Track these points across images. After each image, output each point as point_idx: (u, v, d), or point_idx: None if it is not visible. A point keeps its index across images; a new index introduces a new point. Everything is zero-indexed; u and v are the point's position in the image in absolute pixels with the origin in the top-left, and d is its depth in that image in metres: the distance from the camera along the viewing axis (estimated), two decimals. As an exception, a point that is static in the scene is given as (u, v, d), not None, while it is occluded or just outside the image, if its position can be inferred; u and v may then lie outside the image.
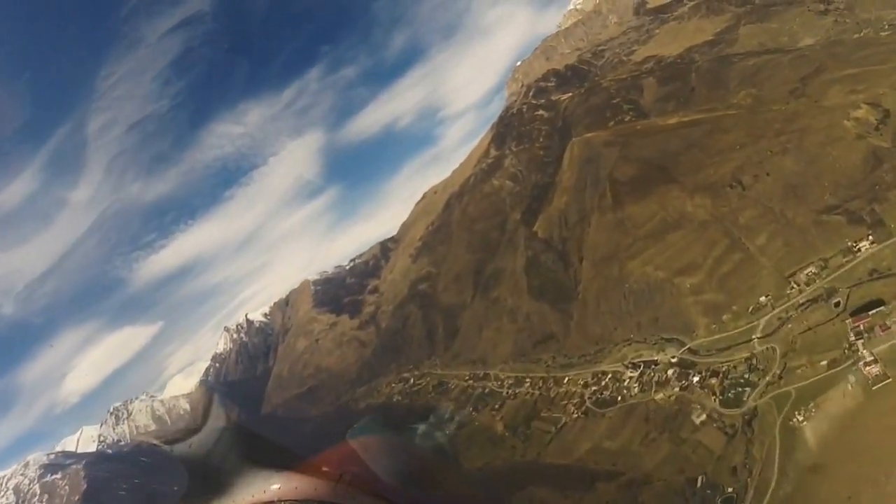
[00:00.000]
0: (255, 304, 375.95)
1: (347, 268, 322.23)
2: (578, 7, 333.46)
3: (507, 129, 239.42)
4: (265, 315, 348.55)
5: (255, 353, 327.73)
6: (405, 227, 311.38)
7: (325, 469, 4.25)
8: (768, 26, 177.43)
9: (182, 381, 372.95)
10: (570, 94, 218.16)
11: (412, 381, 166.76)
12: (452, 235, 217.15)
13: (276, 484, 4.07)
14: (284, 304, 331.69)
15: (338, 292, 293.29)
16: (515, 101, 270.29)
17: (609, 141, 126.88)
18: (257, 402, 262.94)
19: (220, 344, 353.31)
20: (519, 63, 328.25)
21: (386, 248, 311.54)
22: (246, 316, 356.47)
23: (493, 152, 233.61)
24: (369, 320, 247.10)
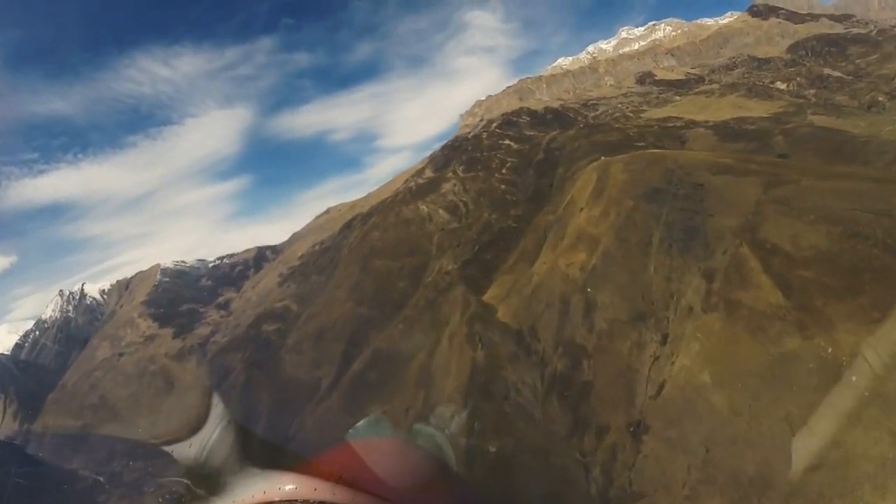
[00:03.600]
0: (118, 276, 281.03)
1: (210, 265, 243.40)
2: (564, 67, 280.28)
3: (455, 151, 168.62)
4: (103, 292, 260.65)
5: (75, 336, 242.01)
6: (294, 238, 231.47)
7: (325, 470, 3.95)
8: (851, 121, 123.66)
9: (4, 334, 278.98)
10: (556, 132, 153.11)
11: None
12: (338, 266, 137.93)
13: (276, 485, 3.76)
14: (125, 287, 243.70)
15: (182, 293, 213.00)
16: (470, 131, 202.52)
17: (728, 167, 56.43)
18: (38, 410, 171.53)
19: (49, 309, 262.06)
20: (483, 98, 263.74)
21: (262, 256, 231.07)
22: (82, 286, 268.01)
23: (428, 173, 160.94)
24: (195, 348, 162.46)
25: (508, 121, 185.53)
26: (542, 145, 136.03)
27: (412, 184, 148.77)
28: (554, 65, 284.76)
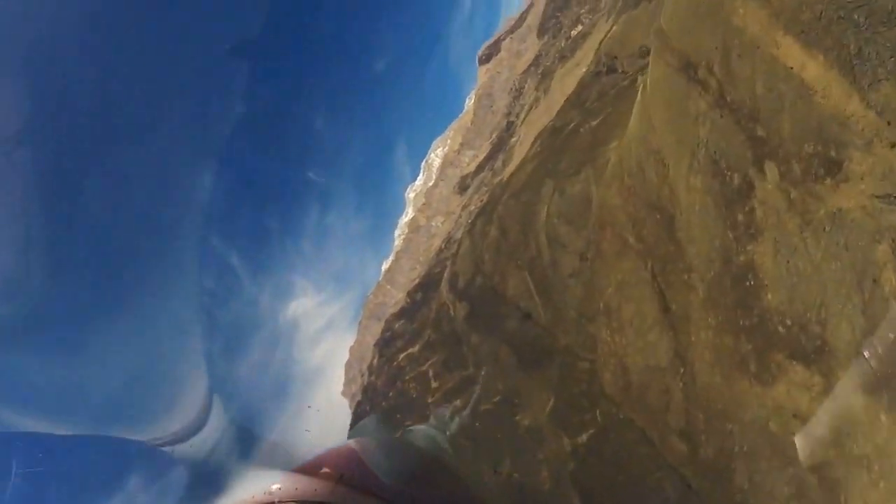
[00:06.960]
0: None
1: None
2: (399, 245, 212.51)
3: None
4: None
5: None
6: None
7: (325, 470, 3.29)
8: None
9: None
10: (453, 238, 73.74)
11: None
12: None
13: (277, 484, 3.24)
14: None
15: None
16: (360, 396, 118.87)
17: None
18: None
19: None
20: (347, 358, 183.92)
21: None
22: None
23: None
24: None
25: (384, 341, 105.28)
26: (456, 251, 52.77)
27: None
28: (385, 265, 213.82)
